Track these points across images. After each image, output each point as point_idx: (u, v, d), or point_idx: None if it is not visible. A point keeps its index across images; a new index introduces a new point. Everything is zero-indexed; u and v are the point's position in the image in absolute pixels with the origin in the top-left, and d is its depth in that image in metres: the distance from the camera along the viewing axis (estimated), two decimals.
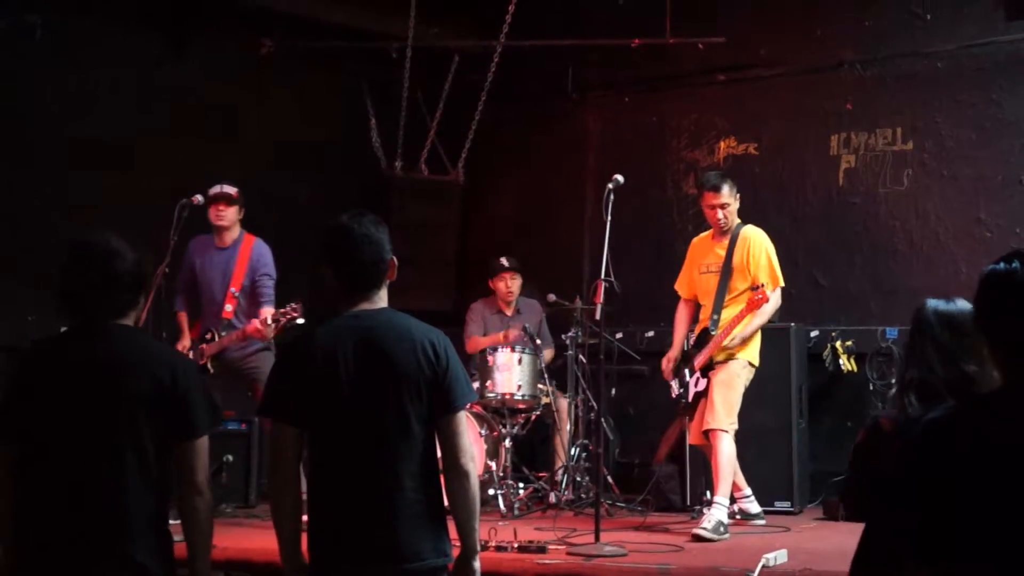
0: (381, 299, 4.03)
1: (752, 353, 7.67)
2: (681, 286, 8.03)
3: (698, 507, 8.39)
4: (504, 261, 9.42)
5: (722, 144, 10.18)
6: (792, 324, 8.79)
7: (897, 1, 9.48)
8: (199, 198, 7.82)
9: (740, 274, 7.65)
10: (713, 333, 7.60)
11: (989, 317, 2.89)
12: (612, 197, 7.34)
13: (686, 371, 7.79)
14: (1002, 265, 2.86)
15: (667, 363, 7.91)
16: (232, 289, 7.96)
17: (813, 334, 9.19)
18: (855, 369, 9.00)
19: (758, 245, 7.69)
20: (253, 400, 8.29)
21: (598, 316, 7.15)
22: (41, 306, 8.31)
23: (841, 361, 9.01)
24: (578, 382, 9.05)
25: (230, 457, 8.89)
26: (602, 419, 7.77)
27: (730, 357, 7.60)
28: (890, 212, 9.44)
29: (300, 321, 7.46)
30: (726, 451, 7.51)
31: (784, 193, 9.90)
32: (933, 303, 3.79)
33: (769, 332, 8.69)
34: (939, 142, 9.31)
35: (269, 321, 7.58)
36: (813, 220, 9.77)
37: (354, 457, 3.88)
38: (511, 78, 10.31)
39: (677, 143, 10.41)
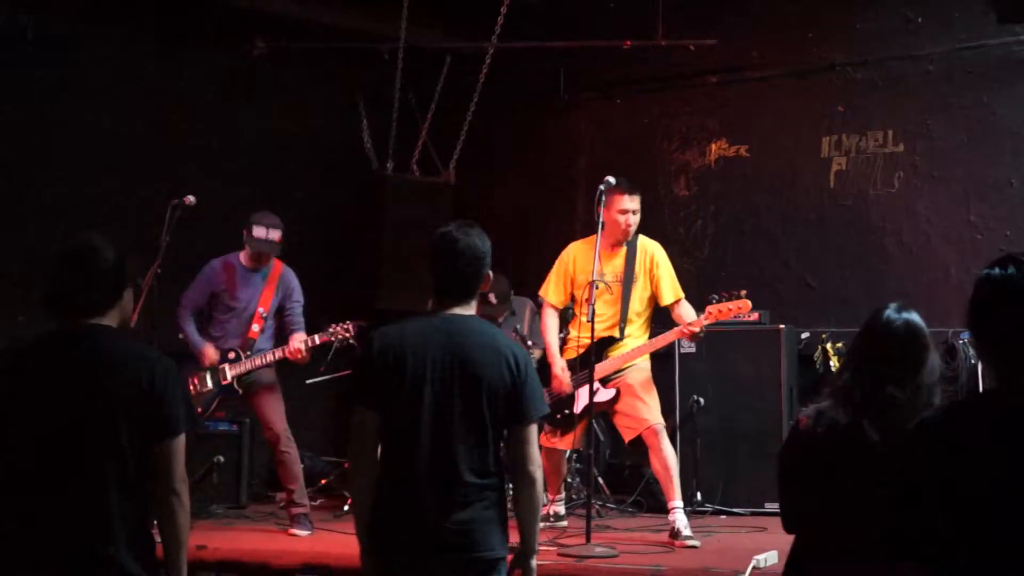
0: (471, 307, 4.30)
1: (647, 359, 7.77)
2: (557, 294, 7.83)
3: (689, 508, 8.40)
4: (492, 299, 9.09)
5: (713, 146, 10.20)
6: (783, 325, 8.80)
7: (888, 4, 9.50)
8: (191, 198, 7.80)
9: (641, 286, 7.68)
10: (618, 342, 7.59)
11: (984, 321, 2.90)
12: (604, 199, 7.37)
13: (576, 380, 7.62)
14: (997, 270, 2.87)
15: (564, 373, 7.65)
16: (261, 310, 7.99)
17: (804, 335, 9.19)
18: None
19: (661, 257, 7.75)
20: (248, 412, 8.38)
21: (589, 317, 7.15)
22: (32, 307, 8.31)
23: (832, 362, 8.99)
24: None
25: (221, 458, 8.89)
26: (592, 420, 7.76)
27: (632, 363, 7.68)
28: (881, 214, 9.46)
29: (352, 342, 7.81)
30: (671, 448, 7.58)
31: (775, 195, 9.92)
32: (895, 317, 3.73)
33: (760, 334, 8.75)
34: (930, 144, 9.33)
35: (310, 345, 7.82)
36: (804, 222, 9.78)
37: (429, 451, 4.08)
38: (503, 79, 10.30)
39: (668, 145, 10.42)
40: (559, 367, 7.66)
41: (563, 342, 7.90)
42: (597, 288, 7.26)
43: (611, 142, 10.64)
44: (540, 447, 7.79)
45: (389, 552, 4.12)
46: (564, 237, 10.11)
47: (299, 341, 7.84)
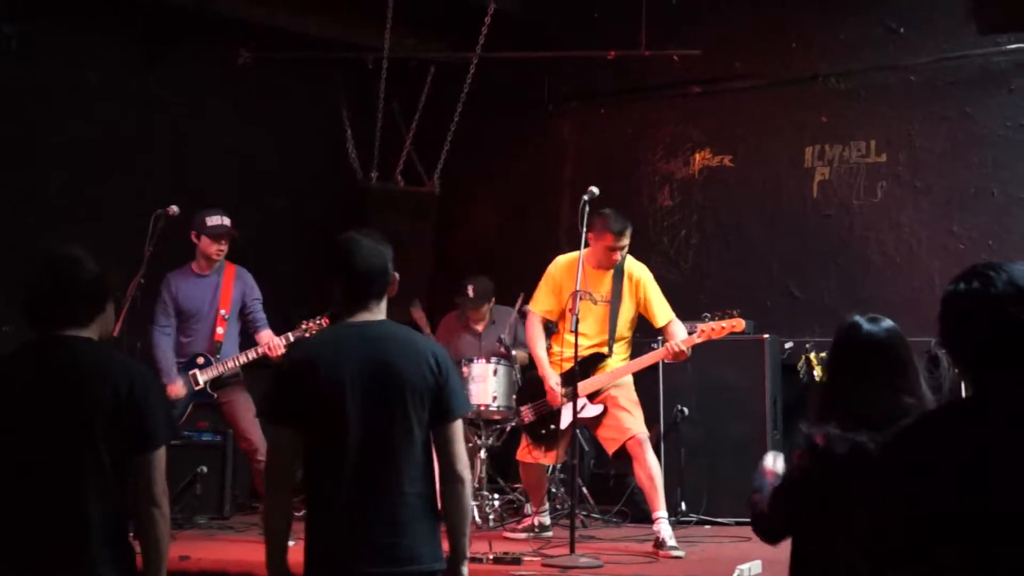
0: (381, 311, 4.15)
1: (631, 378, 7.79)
2: (545, 304, 7.74)
3: (673, 518, 8.41)
4: (469, 291, 9.20)
5: (697, 156, 10.22)
6: (766, 335, 8.82)
7: (871, 15, 9.53)
8: (175, 208, 7.79)
9: (626, 310, 7.67)
10: (606, 359, 7.58)
11: (953, 337, 2.92)
12: (587, 209, 7.37)
13: (566, 395, 7.52)
14: (961, 286, 2.89)
15: (557, 388, 7.56)
16: (222, 312, 7.98)
17: (787, 345, 9.21)
18: None
19: (648, 282, 7.73)
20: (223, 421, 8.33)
21: (572, 327, 7.15)
22: (17, 317, 8.27)
23: (815, 372, 9.02)
24: None
25: (204, 468, 8.87)
26: (577, 430, 7.75)
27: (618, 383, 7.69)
28: (864, 224, 9.48)
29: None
30: (655, 458, 7.57)
31: (759, 205, 9.93)
32: (866, 328, 3.64)
33: (743, 344, 8.76)
34: (912, 154, 9.36)
35: (287, 341, 7.73)
36: (787, 232, 9.80)
37: (357, 462, 3.94)
38: (487, 89, 10.32)
39: (652, 155, 10.44)
40: (553, 381, 7.61)
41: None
42: (581, 300, 7.27)
43: (595, 152, 10.65)
44: (519, 462, 7.91)
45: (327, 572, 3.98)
46: (548, 246, 10.16)
47: (270, 338, 7.84)
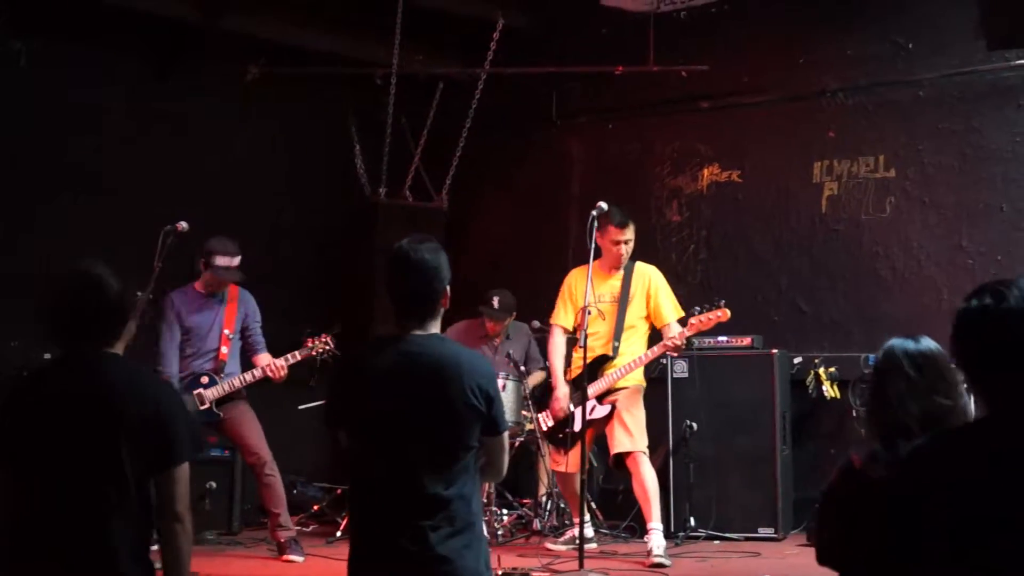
0: (433, 326, 4.04)
1: (641, 375, 8.03)
2: (567, 319, 8.09)
3: (682, 533, 8.41)
4: (495, 303, 9.28)
5: (705, 171, 10.22)
6: (775, 350, 8.82)
7: (879, 30, 9.53)
8: (184, 225, 7.80)
9: (637, 306, 7.98)
10: (612, 359, 7.84)
11: (967, 354, 2.92)
12: (596, 224, 7.41)
13: (574, 400, 7.78)
14: (974, 302, 2.89)
15: (564, 399, 7.94)
16: (226, 331, 7.99)
17: (796, 360, 9.20)
18: (838, 395, 9.01)
19: (660, 281, 8.07)
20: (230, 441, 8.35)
21: (581, 343, 7.21)
22: (25, 333, 8.30)
23: (824, 387, 9.02)
24: None
25: (213, 484, 8.87)
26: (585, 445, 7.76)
27: (626, 383, 7.92)
28: (873, 239, 9.47)
29: (332, 354, 7.92)
30: (650, 473, 7.79)
31: (767, 220, 9.93)
32: (900, 344, 3.74)
33: (752, 359, 8.77)
34: (921, 170, 9.35)
35: (291, 361, 7.92)
36: (796, 247, 9.79)
37: (395, 476, 3.87)
38: (495, 105, 10.34)
39: (660, 170, 10.44)
40: (561, 392, 7.97)
41: (568, 364, 8.11)
42: (590, 314, 7.46)
43: (603, 167, 10.66)
44: (548, 471, 8.02)
45: None
46: (556, 262, 10.15)
47: (269, 360, 7.90)
